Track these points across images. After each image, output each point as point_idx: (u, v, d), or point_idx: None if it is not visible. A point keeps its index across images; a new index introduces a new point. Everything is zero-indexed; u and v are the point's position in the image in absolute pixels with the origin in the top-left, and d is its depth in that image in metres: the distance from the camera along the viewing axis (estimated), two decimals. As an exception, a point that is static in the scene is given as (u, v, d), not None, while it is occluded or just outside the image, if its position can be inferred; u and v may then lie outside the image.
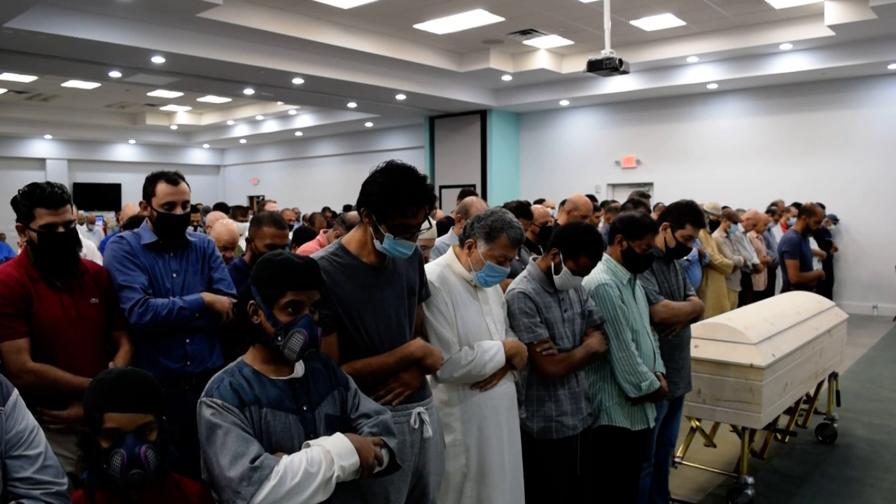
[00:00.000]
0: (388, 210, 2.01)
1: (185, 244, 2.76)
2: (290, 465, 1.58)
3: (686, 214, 3.30)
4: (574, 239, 2.66)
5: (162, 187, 2.68)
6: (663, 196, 10.66)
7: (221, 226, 3.63)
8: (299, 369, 1.78)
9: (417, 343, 2.18)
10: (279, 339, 1.69)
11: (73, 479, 2.07)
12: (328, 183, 18.00)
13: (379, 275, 2.13)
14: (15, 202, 2.36)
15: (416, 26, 9.43)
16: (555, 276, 2.69)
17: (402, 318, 2.17)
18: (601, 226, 6.16)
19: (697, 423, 4.17)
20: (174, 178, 2.72)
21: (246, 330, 1.74)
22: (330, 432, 1.74)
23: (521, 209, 4.12)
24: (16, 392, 1.62)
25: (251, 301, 1.72)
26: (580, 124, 13.43)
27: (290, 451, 1.65)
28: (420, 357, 2.15)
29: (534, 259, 2.89)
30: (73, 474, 2.18)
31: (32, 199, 2.32)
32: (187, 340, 2.64)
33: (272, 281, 1.71)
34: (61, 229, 2.34)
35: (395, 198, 1.99)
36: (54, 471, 1.60)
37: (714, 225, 6.78)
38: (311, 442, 1.69)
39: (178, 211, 2.68)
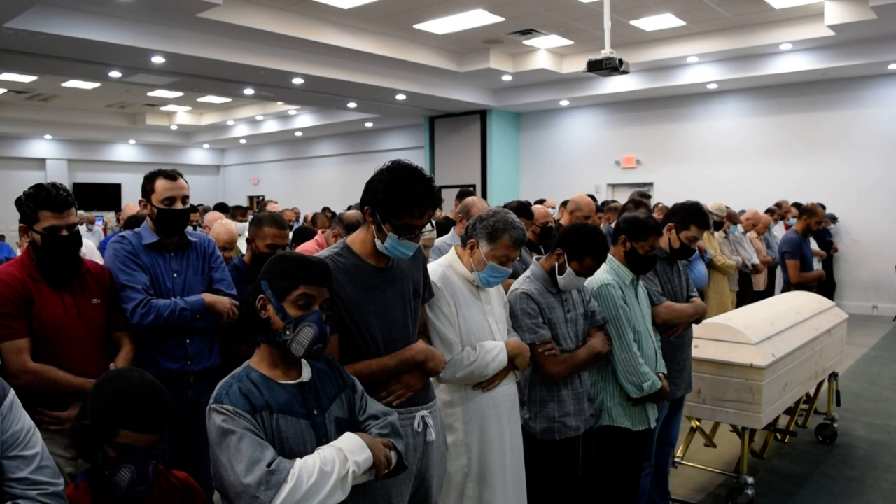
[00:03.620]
0: (394, 209, 1.98)
1: (185, 244, 2.77)
2: (305, 467, 1.57)
3: (691, 216, 3.29)
4: (579, 240, 2.66)
5: (161, 183, 2.70)
6: (663, 196, 10.66)
7: (220, 226, 3.62)
8: (307, 373, 1.76)
9: (419, 346, 2.16)
10: (287, 333, 1.67)
11: (71, 479, 2.07)
12: (328, 183, 18.00)
13: (383, 276, 2.11)
14: (19, 203, 2.35)
15: (416, 26, 9.43)
16: (558, 277, 2.69)
17: (407, 319, 2.15)
18: (602, 226, 6.15)
19: (697, 424, 4.17)
20: (172, 174, 2.75)
21: (253, 326, 1.72)
22: (340, 435, 1.72)
23: (522, 209, 4.11)
24: (12, 392, 1.61)
25: (261, 295, 1.71)
26: (580, 124, 13.42)
27: (302, 457, 1.63)
28: (422, 361, 2.13)
29: (536, 259, 2.88)
30: (72, 475, 2.18)
31: (37, 202, 2.31)
32: (187, 341, 2.65)
33: (286, 274, 1.70)
34: (65, 232, 2.33)
35: (403, 197, 1.97)
36: (51, 471, 1.60)
37: (719, 226, 6.78)
38: (322, 446, 1.67)
39: (178, 206, 2.70)
